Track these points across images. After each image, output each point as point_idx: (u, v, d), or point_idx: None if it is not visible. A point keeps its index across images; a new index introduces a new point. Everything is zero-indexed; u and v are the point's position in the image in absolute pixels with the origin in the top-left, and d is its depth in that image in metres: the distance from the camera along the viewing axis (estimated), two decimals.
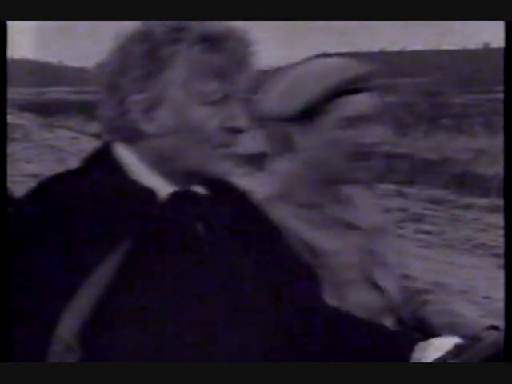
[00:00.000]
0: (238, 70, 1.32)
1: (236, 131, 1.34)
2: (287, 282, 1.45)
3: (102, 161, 1.36)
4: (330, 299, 1.61)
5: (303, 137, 1.80)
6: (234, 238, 1.40)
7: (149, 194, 1.33)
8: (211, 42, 1.29)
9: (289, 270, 1.46)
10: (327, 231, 1.79)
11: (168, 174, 1.35)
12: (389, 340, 1.45)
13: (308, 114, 1.78)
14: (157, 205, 1.32)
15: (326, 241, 1.76)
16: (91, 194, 1.29)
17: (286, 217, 1.72)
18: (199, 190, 1.40)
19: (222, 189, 1.45)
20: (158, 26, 1.29)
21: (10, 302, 1.21)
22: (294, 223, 1.74)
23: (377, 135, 1.78)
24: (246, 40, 1.33)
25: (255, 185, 1.83)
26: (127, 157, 1.36)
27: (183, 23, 1.30)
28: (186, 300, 1.27)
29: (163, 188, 1.35)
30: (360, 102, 1.78)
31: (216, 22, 1.31)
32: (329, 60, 1.85)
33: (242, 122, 1.34)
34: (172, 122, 1.31)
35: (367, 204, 1.96)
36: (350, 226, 1.84)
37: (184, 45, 1.29)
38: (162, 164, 1.34)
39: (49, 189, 1.30)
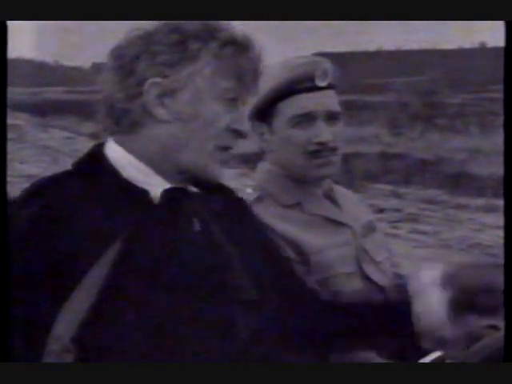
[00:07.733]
0: (252, 77, 1.38)
1: (239, 135, 1.38)
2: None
3: (93, 161, 1.37)
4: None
5: (265, 138, 1.86)
6: (226, 235, 1.41)
7: (141, 192, 1.34)
8: (239, 46, 1.36)
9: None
10: (311, 229, 1.80)
11: (162, 171, 1.36)
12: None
13: (261, 116, 1.84)
14: (149, 203, 1.33)
15: (309, 238, 1.77)
16: (83, 194, 1.30)
17: (270, 216, 1.75)
18: (192, 187, 1.41)
19: (213, 187, 1.46)
20: (190, 24, 1.35)
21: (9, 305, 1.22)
22: (277, 222, 1.76)
23: (327, 132, 1.81)
24: (262, 54, 1.40)
25: (246, 185, 1.89)
26: (121, 154, 1.36)
27: (217, 24, 1.36)
28: (182, 296, 1.27)
29: (157, 185, 1.35)
30: (308, 101, 1.81)
31: (242, 31, 1.38)
32: (281, 61, 1.89)
33: (246, 126, 1.40)
34: (186, 110, 1.34)
35: (353, 202, 1.97)
36: (335, 224, 1.85)
37: (216, 43, 1.34)
38: (157, 159, 1.35)
39: (41, 191, 1.31)
